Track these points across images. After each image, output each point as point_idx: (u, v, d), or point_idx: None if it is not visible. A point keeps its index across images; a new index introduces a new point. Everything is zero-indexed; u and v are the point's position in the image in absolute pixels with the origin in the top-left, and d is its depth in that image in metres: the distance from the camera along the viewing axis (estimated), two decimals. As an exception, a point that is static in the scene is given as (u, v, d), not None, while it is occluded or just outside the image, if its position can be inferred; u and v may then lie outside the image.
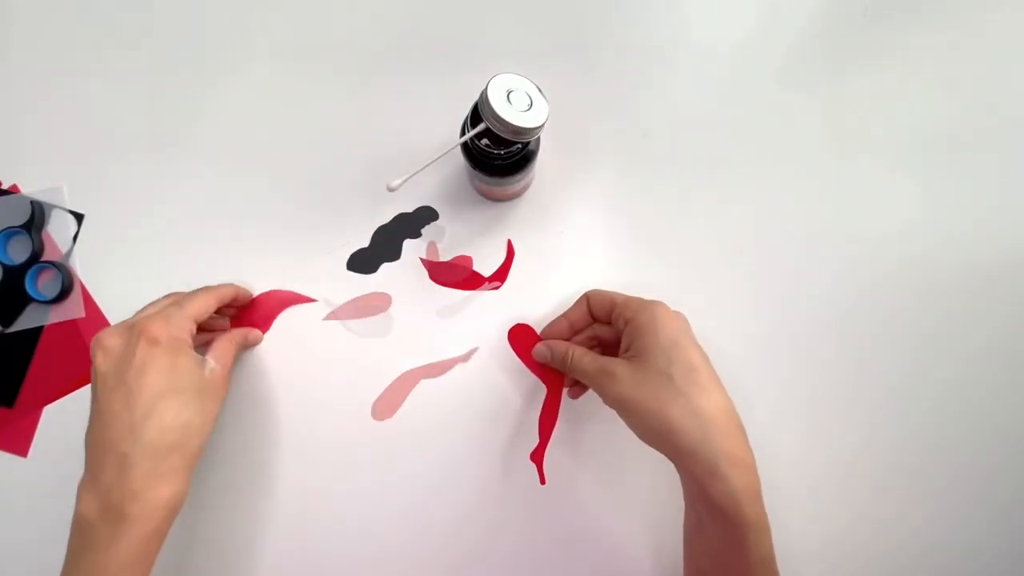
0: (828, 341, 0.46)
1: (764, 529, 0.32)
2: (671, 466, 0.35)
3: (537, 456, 0.43)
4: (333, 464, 0.45)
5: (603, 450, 0.45)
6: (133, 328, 0.36)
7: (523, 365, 0.45)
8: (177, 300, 0.39)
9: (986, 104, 0.48)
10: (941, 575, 0.44)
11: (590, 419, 0.45)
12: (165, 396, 0.35)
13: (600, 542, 0.44)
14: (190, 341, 0.38)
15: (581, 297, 0.41)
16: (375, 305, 0.46)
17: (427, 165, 0.35)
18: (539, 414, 0.44)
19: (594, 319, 0.41)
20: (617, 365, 0.35)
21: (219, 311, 0.43)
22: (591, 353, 0.38)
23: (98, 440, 0.35)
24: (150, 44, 0.50)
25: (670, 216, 0.47)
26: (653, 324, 0.35)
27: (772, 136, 0.48)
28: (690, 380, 0.33)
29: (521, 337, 0.45)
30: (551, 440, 0.44)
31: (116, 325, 0.37)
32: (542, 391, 0.45)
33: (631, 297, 0.38)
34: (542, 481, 0.43)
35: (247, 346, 0.44)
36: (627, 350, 0.36)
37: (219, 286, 0.43)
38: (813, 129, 0.48)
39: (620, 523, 0.44)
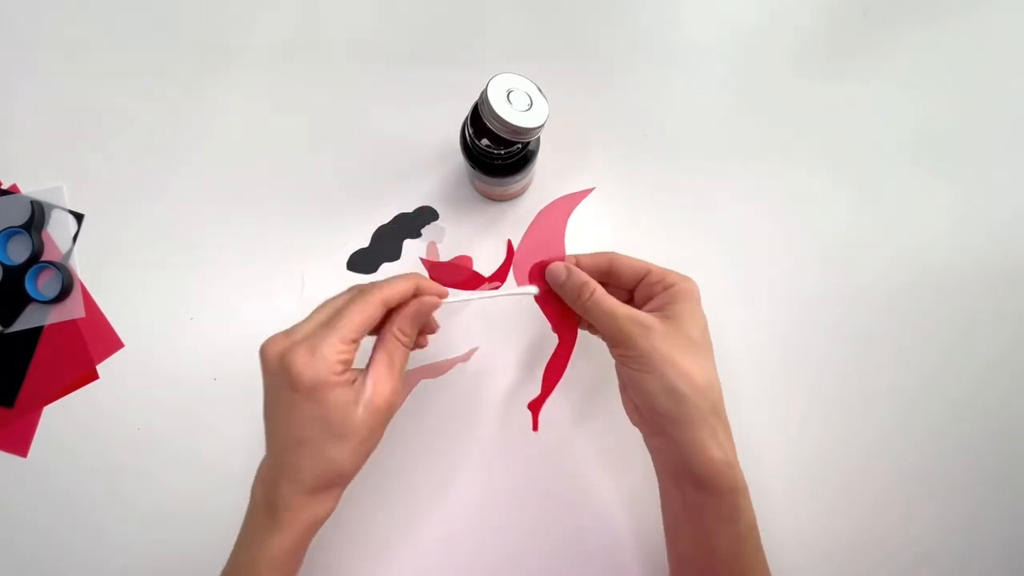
0: (828, 341, 0.46)
1: (748, 494, 0.34)
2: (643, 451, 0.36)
3: (535, 405, 0.41)
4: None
5: (597, 442, 0.45)
6: (283, 360, 0.31)
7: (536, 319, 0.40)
8: (330, 317, 0.33)
9: (987, 103, 0.48)
10: None
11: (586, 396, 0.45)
12: (302, 444, 0.32)
13: (589, 540, 0.44)
14: (341, 375, 0.32)
15: (598, 253, 0.38)
16: None
17: (474, 298, 0.36)
18: (545, 364, 0.40)
19: (607, 280, 0.38)
20: (649, 318, 0.34)
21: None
22: (614, 298, 0.36)
23: (267, 437, 0.33)
24: (150, 44, 0.50)
25: (670, 216, 0.47)
26: (694, 297, 0.36)
27: (772, 136, 0.48)
28: (708, 355, 0.35)
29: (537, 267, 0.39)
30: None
31: (283, 335, 0.32)
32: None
33: (664, 268, 0.37)
34: (535, 427, 0.41)
35: (422, 321, 0.36)
36: (657, 310, 0.35)
37: (391, 282, 0.34)
38: (814, 129, 0.48)
39: (620, 527, 0.44)
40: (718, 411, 0.33)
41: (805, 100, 0.48)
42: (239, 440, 0.45)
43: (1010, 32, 0.49)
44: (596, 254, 0.38)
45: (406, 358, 0.35)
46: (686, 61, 0.49)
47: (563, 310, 0.39)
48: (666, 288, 0.36)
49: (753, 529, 0.34)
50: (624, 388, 0.37)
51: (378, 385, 0.33)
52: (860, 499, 0.45)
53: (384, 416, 0.33)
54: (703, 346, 0.34)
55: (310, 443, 0.32)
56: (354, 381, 0.32)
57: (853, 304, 0.46)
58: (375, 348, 0.34)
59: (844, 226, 0.47)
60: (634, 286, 0.38)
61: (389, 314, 0.35)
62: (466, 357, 0.46)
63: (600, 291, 0.36)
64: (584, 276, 0.37)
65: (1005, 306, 0.46)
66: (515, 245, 0.46)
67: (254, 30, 0.50)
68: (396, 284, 0.34)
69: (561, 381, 0.40)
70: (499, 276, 0.43)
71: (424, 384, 0.46)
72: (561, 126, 0.44)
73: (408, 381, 0.45)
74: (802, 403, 0.45)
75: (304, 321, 0.33)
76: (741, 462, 0.34)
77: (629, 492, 0.44)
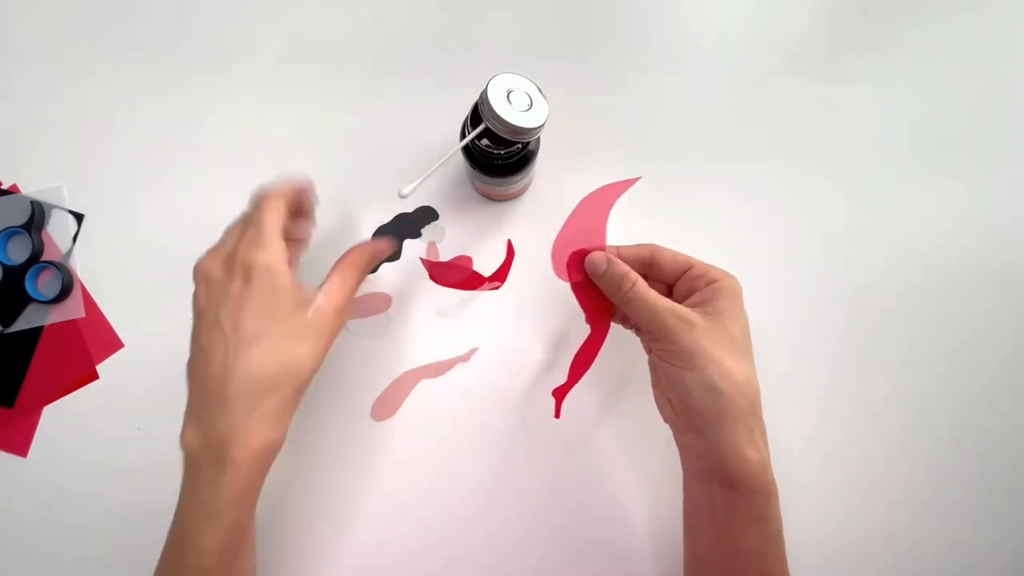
0: (829, 340, 0.46)
1: (779, 498, 0.34)
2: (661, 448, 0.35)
3: (560, 392, 0.41)
4: (332, 464, 0.45)
5: (609, 442, 0.45)
6: (232, 259, 0.33)
7: (557, 304, 0.40)
8: (252, 218, 0.35)
9: (987, 103, 0.48)
10: None
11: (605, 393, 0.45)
12: (259, 337, 0.32)
13: (607, 542, 0.44)
14: (287, 268, 0.33)
15: (639, 245, 0.38)
16: (375, 305, 0.46)
17: (436, 167, 0.34)
18: (574, 354, 0.40)
19: (648, 273, 0.37)
20: (692, 314, 0.33)
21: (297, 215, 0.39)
22: (655, 292, 0.35)
23: (198, 374, 0.33)
24: (150, 44, 0.50)
25: (670, 216, 0.47)
26: (737, 294, 0.35)
27: (773, 136, 0.48)
28: (749, 354, 0.34)
29: (571, 251, 0.39)
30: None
31: (214, 251, 0.34)
32: (544, 390, 0.45)
33: (707, 263, 0.37)
34: (557, 415, 0.41)
35: (373, 263, 0.39)
36: (699, 306, 0.35)
37: (275, 192, 0.36)
38: (814, 129, 0.48)
39: (623, 514, 0.44)
40: (756, 411, 0.33)
41: (805, 100, 0.48)
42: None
43: (1010, 32, 0.49)
44: (638, 245, 0.38)
45: (356, 286, 0.37)
46: (686, 61, 0.49)
47: (598, 301, 0.38)
48: (708, 284, 0.35)
49: (780, 535, 0.34)
50: (658, 383, 0.37)
51: (330, 294, 0.34)
52: (876, 499, 0.44)
53: (332, 324, 0.34)
54: (744, 345, 0.34)
55: (266, 336, 0.32)
56: (306, 289, 0.34)
57: (854, 304, 0.46)
58: (333, 268, 0.36)
59: (845, 225, 0.47)
60: (675, 280, 0.37)
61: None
62: (466, 357, 0.46)
63: (642, 283, 0.35)
64: (625, 267, 0.36)
65: (1014, 303, 0.46)
66: (515, 245, 0.47)
67: (254, 30, 0.50)
68: (289, 189, 0.37)
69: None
70: (499, 276, 0.42)
71: (424, 384, 0.46)
72: (561, 126, 0.44)
73: (408, 381, 0.45)
74: (811, 404, 0.45)
75: (221, 240, 0.35)
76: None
77: (645, 487, 0.44)
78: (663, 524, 0.44)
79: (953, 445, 0.45)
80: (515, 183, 0.42)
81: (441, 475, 0.45)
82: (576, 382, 0.40)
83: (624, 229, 0.47)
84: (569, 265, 0.38)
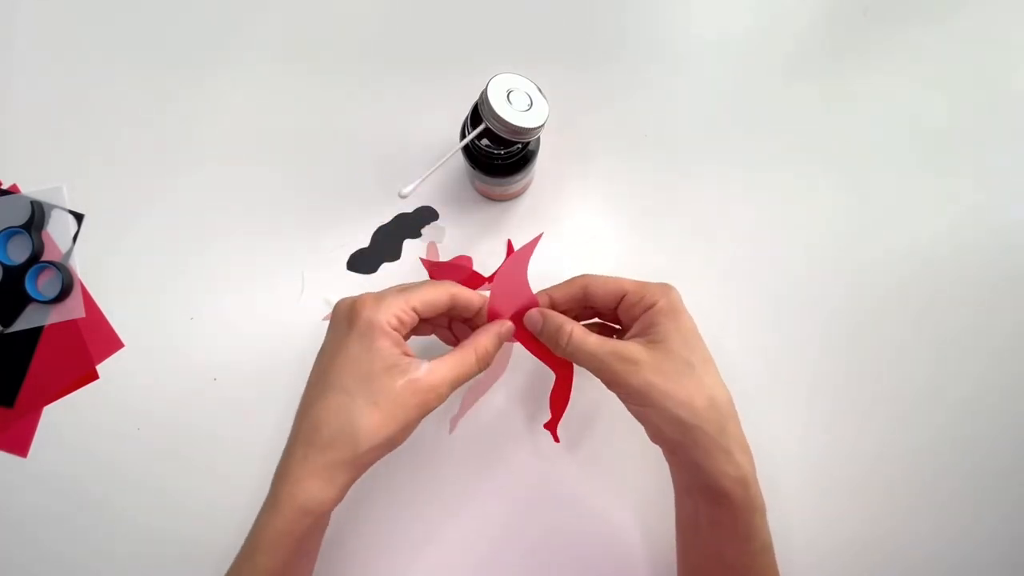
0: (823, 339, 0.46)
1: (764, 512, 0.33)
2: (656, 457, 0.35)
3: (550, 426, 0.40)
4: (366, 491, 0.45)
5: (600, 447, 0.45)
6: (352, 303, 0.33)
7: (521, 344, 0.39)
8: (403, 287, 0.34)
9: (988, 103, 0.48)
10: None
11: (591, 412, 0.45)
12: (336, 389, 0.31)
13: (598, 544, 0.44)
14: (393, 331, 0.32)
15: (570, 281, 0.37)
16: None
17: (436, 168, 0.34)
18: (549, 393, 0.40)
19: (586, 306, 0.37)
20: (635, 350, 0.32)
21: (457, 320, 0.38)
22: (593, 334, 0.34)
23: (303, 396, 0.33)
24: (151, 44, 0.50)
25: (670, 216, 0.47)
26: (675, 309, 0.34)
27: (773, 136, 0.48)
28: (706, 369, 0.33)
29: (512, 300, 0.38)
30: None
31: (359, 295, 0.33)
32: (541, 392, 0.45)
33: (642, 281, 0.35)
34: (556, 440, 0.40)
35: (499, 345, 0.36)
36: (642, 334, 0.34)
37: (458, 287, 0.36)
38: (814, 129, 0.48)
39: (617, 524, 0.44)
40: (728, 430, 0.32)
41: (805, 99, 0.48)
42: (239, 440, 0.45)
43: (1010, 31, 0.49)
44: (569, 283, 0.37)
45: (471, 372, 0.34)
46: (686, 61, 0.49)
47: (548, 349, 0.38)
48: (646, 309, 0.34)
49: (767, 548, 0.33)
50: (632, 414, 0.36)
51: (433, 370, 0.32)
52: (868, 499, 0.44)
53: (421, 400, 0.31)
54: (699, 363, 0.33)
55: (341, 392, 0.31)
56: (409, 360, 0.32)
57: (856, 304, 0.46)
58: (452, 350, 0.34)
59: (845, 225, 0.47)
60: (614, 308, 0.36)
61: (451, 323, 0.38)
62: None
63: (578, 332, 0.34)
64: (559, 320, 0.35)
65: (1008, 303, 0.46)
66: (515, 246, 0.46)
67: (254, 30, 0.50)
68: (469, 291, 0.36)
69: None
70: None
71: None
72: (561, 126, 0.44)
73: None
74: (807, 403, 0.45)
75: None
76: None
77: (639, 500, 0.44)
78: (658, 535, 0.44)
79: (944, 446, 0.45)
80: (515, 183, 0.42)
81: (440, 475, 0.45)
82: (560, 416, 0.40)
83: (625, 228, 0.47)
84: (516, 329, 0.38)
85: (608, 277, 0.36)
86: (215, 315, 0.46)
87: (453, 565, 0.44)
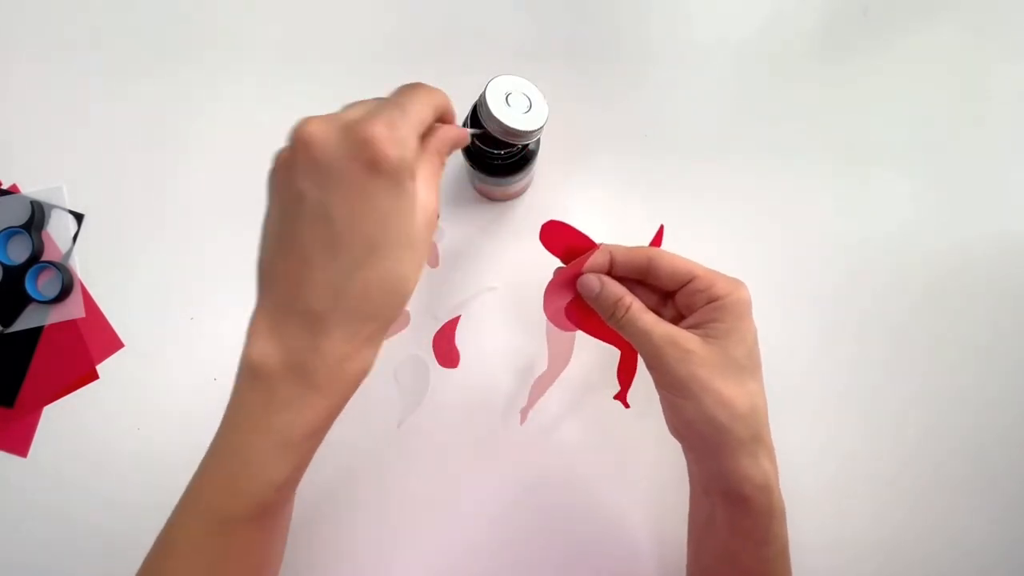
0: (824, 339, 0.46)
1: (784, 517, 0.32)
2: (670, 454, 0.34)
3: (620, 396, 0.40)
4: (339, 468, 0.45)
5: (609, 440, 0.45)
6: (351, 132, 0.25)
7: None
8: (393, 100, 0.28)
9: (988, 103, 0.48)
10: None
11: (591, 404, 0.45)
12: (379, 249, 0.26)
13: (605, 539, 0.44)
14: (415, 167, 0.26)
15: (636, 248, 0.34)
16: (397, 323, 0.46)
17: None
18: (616, 367, 0.39)
19: (645, 280, 0.34)
20: (690, 340, 0.31)
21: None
22: (650, 311, 0.33)
23: (286, 277, 0.27)
24: (150, 44, 0.50)
25: (670, 216, 0.47)
26: (743, 310, 0.32)
27: (773, 136, 0.48)
28: (754, 376, 0.32)
29: (560, 242, 0.35)
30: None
31: (328, 117, 0.26)
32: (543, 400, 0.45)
33: (713, 270, 0.33)
34: (626, 406, 0.40)
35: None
36: (700, 326, 0.32)
37: (433, 89, 0.30)
38: (814, 129, 0.48)
39: (627, 518, 0.44)
40: (760, 437, 0.31)
41: (805, 99, 0.48)
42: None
43: (1010, 31, 0.49)
44: (634, 250, 0.34)
45: (441, 170, 0.30)
46: (686, 61, 0.49)
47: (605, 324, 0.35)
48: (711, 301, 0.32)
49: (783, 554, 0.33)
50: (660, 400, 0.35)
51: (431, 186, 0.27)
52: (889, 504, 0.44)
53: (434, 225, 0.28)
54: (749, 367, 0.31)
55: (384, 247, 0.26)
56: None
57: (858, 305, 0.46)
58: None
59: (845, 225, 0.47)
60: (675, 290, 0.33)
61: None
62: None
63: (636, 307, 0.32)
64: (619, 290, 0.33)
65: (1011, 306, 0.46)
66: (515, 246, 0.46)
67: (254, 30, 0.50)
68: (438, 94, 0.30)
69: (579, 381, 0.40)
70: (655, 243, 0.39)
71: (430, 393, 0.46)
72: (561, 126, 0.44)
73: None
74: (821, 406, 0.45)
75: (340, 111, 0.27)
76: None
77: (650, 496, 0.44)
78: (668, 532, 0.44)
79: (971, 450, 0.45)
80: (515, 183, 0.42)
81: (440, 475, 0.45)
82: (628, 388, 0.39)
83: (624, 229, 0.47)
84: (566, 308, 0.36)
85: (679, 256, 0.33)
86: (215, 315, 0.46)
87: (446, 566, 0.44)
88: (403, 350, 0.46)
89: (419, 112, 0.27)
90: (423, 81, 0.30)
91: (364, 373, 0.28)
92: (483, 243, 0.47)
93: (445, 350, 0.46)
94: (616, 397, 0.40)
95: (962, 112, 0.48)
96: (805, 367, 0.46)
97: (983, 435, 0.45)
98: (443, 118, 0.30)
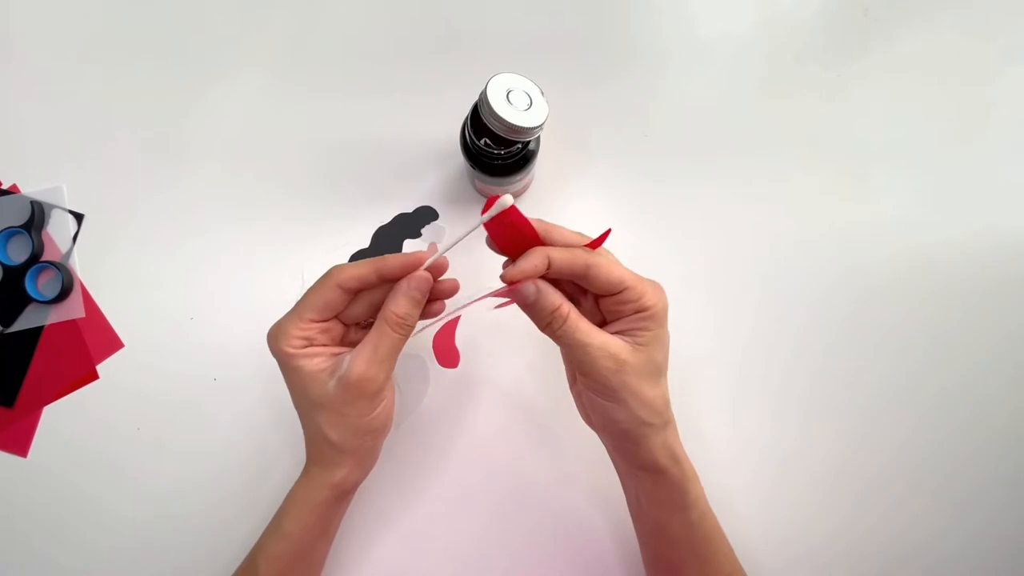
0: (824, 340, 0.46)
1: (698, 481, 0.36)
2: None
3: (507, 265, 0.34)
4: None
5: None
6: (267, 340, 0.35)
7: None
8: (304, 297, 0.35)
9: (988, 103, 0.48)
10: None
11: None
12: (301, 413, 0.36)
13: (568, 531, 0.44)
14: (302, 350, 0.34)
15: (574, 253, 0.33)
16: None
17: (453, 244, 0.33)
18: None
19: (578, 283, 0.34)
20: (623, 350, 0.32)
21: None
22: (586, 321, 0.33)
23: None
24: (150, 44, 0.50)
25: (670, 216, 0.47)
26: (663, 316, 0.34)
27: (773, 136, 0.48)
28: (665, 373, 0.35)
29: (506, 233, 0.33)
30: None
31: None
32: (536, 397, 0.45)
33: (638, 276, 0.34)
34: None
35: (419, 298, 0.34)
36: (627, 333, 0.33)
37: (350, 265, 0.34)
38: (814, 129, 0.48)
39: (584, 511, 0.44)
40: (669, 421, 0.35)
41: (805, 99, 0.48)
42: (239, 440, 0.45)
43: (1011, 31, 0.49)
44: (572, 254, 0.33)
45: (397, 341, 0.34)
46: (687, 62, 0.49)
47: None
48: (639, 311, 0.33)
49: (706, 516, 0.36)
50: (577, 389, 0.38)
51: (353, 363, 0.33)
52: (839, 500, 0.44)
53: (355, 392, 0.34)
54: (664, 367, 0.35)
55: (300, 411, 0.35)
56: (338, 358, 0.34)
57: (852, 303, 0.46)
58: (371, 330, 0.34)
59: (845, 225, 0.47)
60: (604, 296, 0.34)
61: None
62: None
63: (573, 317, 0.33)
64: (555, 299, 0.33)
65: (1005, 306, 0.46)
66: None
67: (254, 30, 0.50)
68: (351, 267, 0.34)
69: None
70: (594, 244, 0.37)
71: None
72: (561, 126, 0.44)
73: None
74: (801, 405, 0.45)
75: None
76: (723, 467, 0.36)
77: (606, 486, 0.43)
78: (623, 517, 0.43)
79: (935, 443, 0.45)
80: (515, 183, 0.42)
81: (439, 475, 0.45)
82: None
83: (624, 228, 0.47)
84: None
85: (612, 265, 0.33)
86: (215, 315, 0.46)
87: (413, 559, 0.44)
88: (403, 350, 0.46)
89: (301, 308, 0.34)
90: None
91: (346, 482, 0.36)
92: (483, 243, 0.47)
93: (445, 350, 0.46)
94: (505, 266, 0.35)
95: (963, 112, 0.48)
96: (805, 367, 0.46)
97: (982, 435, 0.45)
98: (362, 285, 0.34)
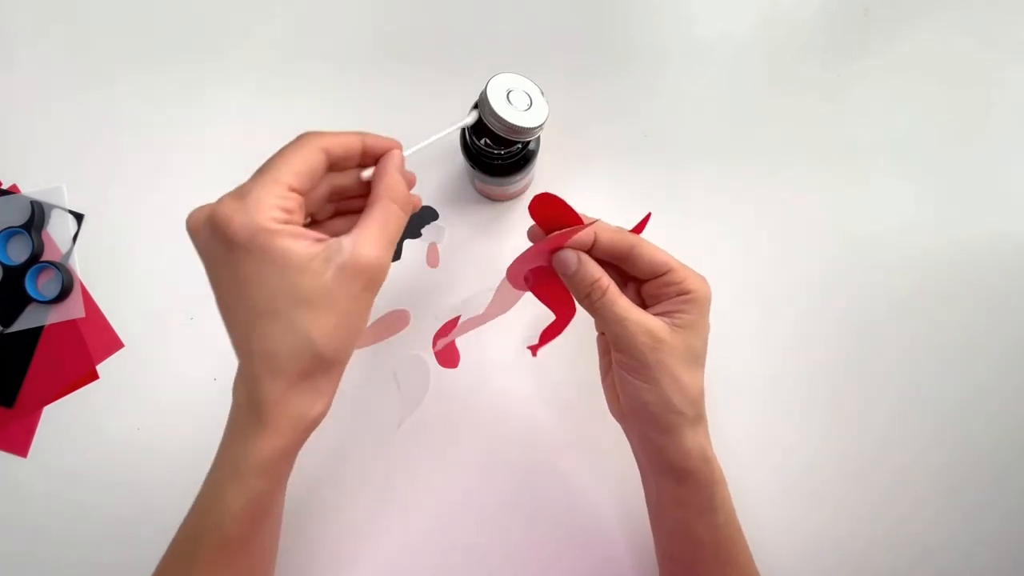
0: (825, 340, 0.46)
1: (726, 485, 0.34)
2: None
3: (534, 348, 0.39)
4: (345, 473, 0.45)
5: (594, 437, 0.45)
6: (210, 216, 0.27)
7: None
8: (261, 168, 0.28)
9: (988, 103, 0.48)
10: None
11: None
12: (263, 318, 0.26)
13: (593, 540, 0.44)
14: (283, 223, 0.26)
15: (621, 233, 0.34)
16: (393, 325, 0.46)
17: (434, 139, 0.33)
18: (546, 327, 0.38)
19: (621, 264, 0.34)
20: (662, 328, 0.32)
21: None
22: (625, 298, 0.33)
23: (229, 330, 0.29)
24: (150, 44, 0.50)
25: (670, 216, 0.47)
26: (707, 306, 0.34)
27: (773, 136, 0.48)
28: (704, 364, 0.34)
29: (550, 215, 0.33)
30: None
31: (202, 207, 0.28)
32: (537, 397, 0.45)
33: (685, 264, 0.34)
34: (534, 355, 0.39)
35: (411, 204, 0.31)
36: (668, 315, 0.33)
37: (332, 132, 0.30)
38: (814, 129, 0.48)
39: (600, 506, 0.44)
40: (702, 416, 0.34)
41: (805, 99, 0.48)
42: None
43: (1011, 31, 0.49)
44: (619, 233, 0.34)
45: (402, 222, 0.30)
46: (686, 61, 0.49)
47: (559, 291, 0.35)
48: (681, 294, 0.33)
49: (731, 520, 0.35)
50: (608, 376, 0.37)
51: (360, 244, 0.27)
52: (858, 501, 0.44)
53: (365, 282, 0.27)
54: (702, 358, 0.34)
55: (273, 315, 0.26)
56: (325, 244, 0.27)
57: (852, 303, 0.46)
58: (364, 210, 0.29)
59: (844, 225, 0.47)
60: (648, 279, 0.34)
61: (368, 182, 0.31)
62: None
63: (612, 291, 0.33)
64: (596, 271, 0.33)
65: (1011, 306, 0.46)
66: (514, 247, 0.46)
67: (253, 29, 0.50)
68: (339, 134, 0.30)
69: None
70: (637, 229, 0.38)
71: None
72: (561, 126, 0.44)
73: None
74: (801, 405, 0.45)
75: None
76: (738, 464, 0.34)
77: (619, 485, 0.44)
78: (635, 517, 0.44)
79: (938, 448, 0.45)
80: (515, 183, 0.42)
81: (424, 474, 0.45)
82: (544, 345, 0.38)
83: (625, 228, 0.47)
84: (530, 271, 0.35)
85: (658, 248, 0.34)
86: (215, 315, 0.46)
87: (422, 559, 0.44)
88: (403, 350, 0.46)
89: (277, 171, 0.27)
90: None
91: (309, 419, 0.29)
92: (483, 243, 0.47)
93: (445, 350, 0.46)
94: (530, 347, 0.39)
95: (963, 112, 0.48)
96: (797, 370, 0.46)
97: (1000, 439, 0.45)
98: (347, 153, 0.30)
